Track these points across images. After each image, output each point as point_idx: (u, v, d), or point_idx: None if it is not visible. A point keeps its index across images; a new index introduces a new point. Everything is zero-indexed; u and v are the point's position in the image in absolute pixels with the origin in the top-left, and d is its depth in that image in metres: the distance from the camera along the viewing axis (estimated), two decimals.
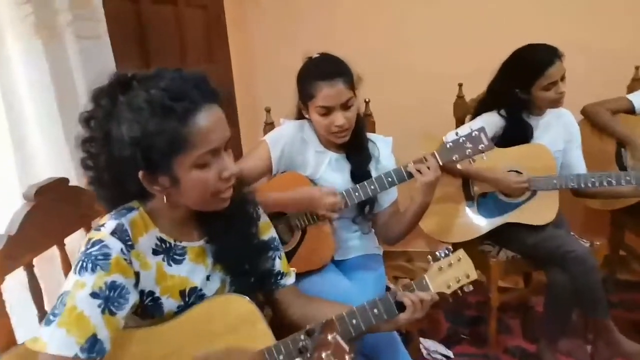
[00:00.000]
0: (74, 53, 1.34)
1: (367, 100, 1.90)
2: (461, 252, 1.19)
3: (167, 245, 0.97)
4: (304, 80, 1.49)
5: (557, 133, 1.93)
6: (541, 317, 1.97)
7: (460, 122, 2.16)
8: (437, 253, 1.18)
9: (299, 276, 1.50)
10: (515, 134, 1.89)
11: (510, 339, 2.16)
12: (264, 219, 1.15)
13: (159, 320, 0.97)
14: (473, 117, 1.98)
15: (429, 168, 1.42)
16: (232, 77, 2.55)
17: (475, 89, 2.05)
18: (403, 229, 1.54)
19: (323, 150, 1.58)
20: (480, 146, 1.47)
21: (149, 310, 0.96)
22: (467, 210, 1.94)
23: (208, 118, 0.87)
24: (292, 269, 1.20)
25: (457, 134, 1.48)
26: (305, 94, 1.48)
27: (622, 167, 2.08)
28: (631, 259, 2.51)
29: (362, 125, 1.59)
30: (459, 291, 1.18)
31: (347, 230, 1.65)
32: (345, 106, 1.45)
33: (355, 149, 1.58)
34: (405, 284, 1.15)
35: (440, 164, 1.46)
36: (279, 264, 1.15)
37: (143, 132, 0.83)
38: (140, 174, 0.87)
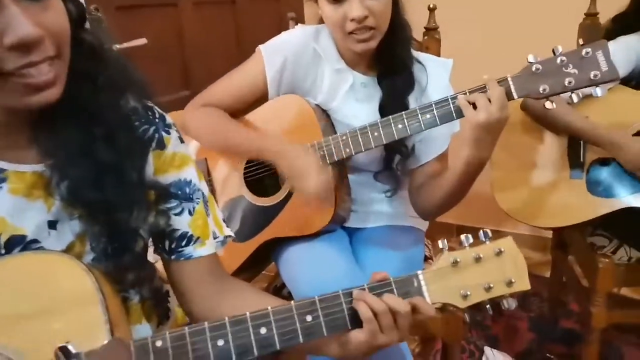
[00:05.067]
0: None
1: (431, 6, 1.32)
2: (507, 242, 0.69)
3: None
4: None
5: None
6: None
7: None
8: (462, 237, 0.69)
9: (281, 242, 1.08)
10: None
11: None
12: (175, 149, 0.73)
13: None
14: None
15: (489, 101, 0.87)
16: None
17: (616, 3, 1.34)
18: (441, 197, 1.02)
19: (344, 68, 1.10)
20: (594, 73, 0.87)
21: None
22: (572, 182, 1.31)
23: None
24: (222, 234, 0.79)
25: (555, 52, 0.89)
26: None
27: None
28: None
29: (405, 34, 1.07)
30: (488, 307, 0.68)
31: (368, 188, 1.16)
32: None
33: (390, 68, 1.07)
34: (380, 279, 0.67)
35: (515, 97, 0.89)
36: (187, 223, 0.74)
37: None
38: None
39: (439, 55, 1.30)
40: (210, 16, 1.83)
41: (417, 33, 1.27)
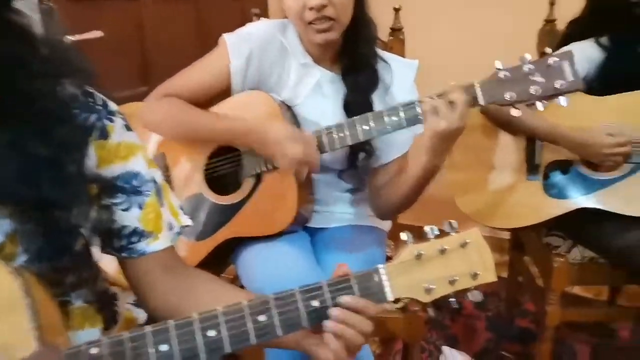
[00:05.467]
0: None
1: (397, 7, 1.33)
2: (473, 234, 0.68)
3: None
4: None
5: None
6: (625, 352, 1.36)
7: None
8: (426, 229, 0.68)
9: (240, 243, 1.05)
10: (622, 74, 1.25)
11: None
12: (120, 138, 0.68)
13: None
14: (557, 50, 1.34)
15: (452, 105, 0.87)
16: None
17: (573, 10, 1.39)
18: (398, 199, 1.03)
19: (311, 63, 1.08)
20: (559, 83, 0.88)
21: None
22: (529, 184, 1.35)
23: None
24: (179, 223, 0.75)
25: (522, 60, 0.90)
26: None
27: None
28: None
29: (369, 30, 1.07)
30: (453, 301, 0.67)
31: (331, 187, 1.15)
32: None
33: (353, 64, 1.06)
34: (341, 274, 0.65)
35: (482, 103, 0.90)
36: (137, 217, 0.69)
37: None
38: None
39: (403, 55, 1.30)
40: (171, 10, 1.78)
41: (382, 33, 1.27)
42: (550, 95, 0.89)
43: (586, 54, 1.27)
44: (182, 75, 1.09)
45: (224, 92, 1.10)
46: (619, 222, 1.24)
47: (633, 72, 1.24)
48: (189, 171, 1.12)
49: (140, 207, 0.69)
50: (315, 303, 0.63)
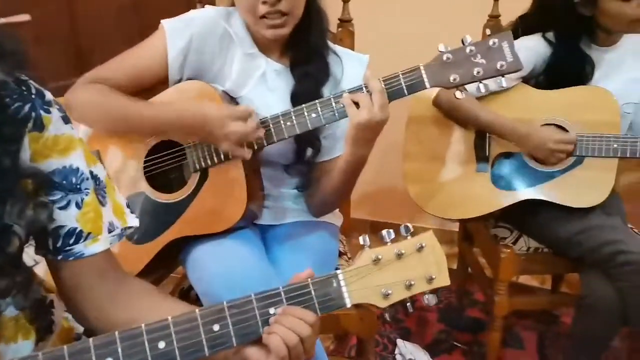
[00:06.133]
0: None
1: None
2: (428, 236, 0.67)
3: None
4: None
5: (633, 76, 1.31)
6: (568, 337, 1.42)
7: None
8: (382, 233, 0.67)
9: (188, 242, 1.00)
10: (566, 69, 1.29)
11: (520, 355, 1.62)
12: (58, 130, 0.62)
13: None
14: None
15: (369, 93, 0.88)
16: None
17: (519, 5, 1.42)
18: (328, 194, 1.03)
19: (257, 53, 1.04)
20: (500, 63, 0.89)
21: None
22: (478, 175, 1.36)
23: None
24: (124, 224, 0.70)
25: (464, 42, 0.90)
26: None
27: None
28: None
29: (321, 22, 1.04)
30: (409, 305, 0.67)
31: (278, 182, 1.11)
32: None
33: (304, 56, 1.03)
34: (301, 279, 0.62)
35: (428, 86, 0.90)
36: (75, 217, 0.64)
37: None
38: None
39: (352, 47, 1.28)
40: None
41: (331, 25, 1.25)
42: (492, 76, 0.90)
43: (534, 49, 1.30)
44: (114, 62, 1.02)
45: (160, 83, 1.03)
46: (562, 212, 1.28)
47: (577, 67, 1.28)
48: (127, 169, 1.05)
49: (79, 206, 0.63)
50: (272, 310, 0.60)
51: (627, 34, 1.29)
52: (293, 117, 0.93)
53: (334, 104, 0.92)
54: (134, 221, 0.72)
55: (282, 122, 0.94)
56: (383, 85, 0.89)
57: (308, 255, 1.04)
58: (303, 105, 0.93)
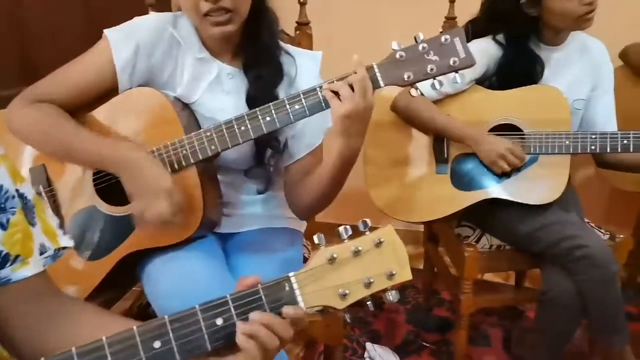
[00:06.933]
0: None
1: (302, 0, 1.29)
2: (387, 231, 0.65)
3: None
4: None
5: (581, 73, 1.35)
6: (531, 333, 1.44)
7: None
8: (340, 230, 0.65)
9: (144, 255, 0.96)
10: (517, 70, 1.31)
11: (487, 352, 1.64)
12: None
13: None
14: None
15: (352, 89, 0.85)
16: None
17: (476, 8, 1.44)
18: (317, 194, 0.99)
19: (208, 57, 1.01)
20: (453, 60, 0.88)
21: None
22: (438, 177, 1.37)
23: None
24: (55, 245, 0.65)
25: (417, 39, 0.90)
26: None
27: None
28: None
29: (270, 21, 1.02)
30: (369, 304, 0.64)
31: (237, 189, 1.09)
32: None
33: (256, 57, 1.00)
34: (249, 284, 0.60)
35: (381, 84, 0.88)
36: (0, 239, 0.59)
37: None
38: None
39: (311, 49, 1.27)
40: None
41: (289, 28, 1.23)
42: (445, 73, 0.89)
43: (485, 51, 1.32)
44: (57, 76, 0.97)
45: (111, 93, 0.99)
46: (521, 210, 1.30)
47: (527, 67, 1.31)
48: (77, 182, 0.99)
49: (4, 227, 0.59)
50: (219, 321, 0.57)
51: (574, 31, 1.32)
52: (247, 122, 0.91)
53: (288, 105, 0.90)
54: (67, 242, 0.67)
55: (235, 127, 0.91)
56: (365, 73, 0.86)
57: (271, 262, 1.02)
58: (257, 108, 0.91)
